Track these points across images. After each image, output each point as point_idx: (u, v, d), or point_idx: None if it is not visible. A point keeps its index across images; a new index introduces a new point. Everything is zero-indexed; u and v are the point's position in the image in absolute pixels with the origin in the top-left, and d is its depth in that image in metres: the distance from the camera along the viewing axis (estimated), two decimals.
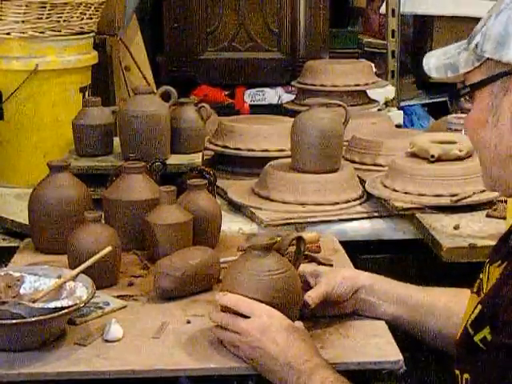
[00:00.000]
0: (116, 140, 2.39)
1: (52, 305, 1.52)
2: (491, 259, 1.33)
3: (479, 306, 1.24)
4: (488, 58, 1.22)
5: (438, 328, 1.59)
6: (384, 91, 3.45)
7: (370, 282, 1.65)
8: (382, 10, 3.93)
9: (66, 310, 1.51)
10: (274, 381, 1.44)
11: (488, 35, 1.22)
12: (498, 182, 1.28)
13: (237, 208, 2.33)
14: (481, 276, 1.34)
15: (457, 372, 1.26)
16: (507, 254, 1.27)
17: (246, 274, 1.54)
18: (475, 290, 1.35)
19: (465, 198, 2.20)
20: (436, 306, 1.60)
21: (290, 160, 2.37)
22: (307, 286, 1.64)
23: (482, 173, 1.32)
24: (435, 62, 1.30)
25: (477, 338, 1.20)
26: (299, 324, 1.52)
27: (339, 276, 1.65)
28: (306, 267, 1.74)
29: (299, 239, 1.70)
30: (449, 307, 1.59)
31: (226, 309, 1.53)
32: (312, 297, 1.60)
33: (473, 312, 1.25)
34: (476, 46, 1.24)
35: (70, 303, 1.53)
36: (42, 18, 2.41)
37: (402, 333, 1.66)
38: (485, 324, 1.19)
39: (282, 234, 1.86)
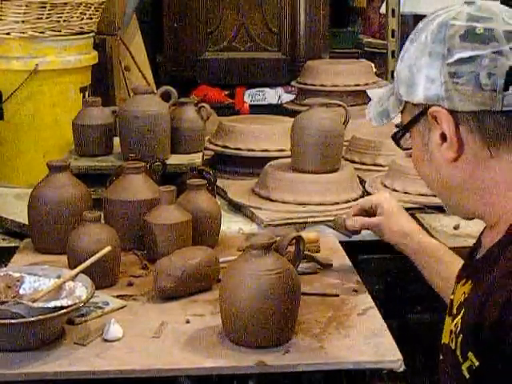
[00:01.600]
0: (116, 140, 2.39)
1: (51, 304, 1.52)
2: (458, 278, 1.31)
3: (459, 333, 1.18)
4: (406, 101, 1.25)
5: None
6: None
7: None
8: (382, 10, 3.93)
9: (65, 310, 1.52)
10: None
11: (400, 79, 1.25)
12: (454, 209, 1.32)
13: (237, 208, 2.32)
14: (451, 296, 1.30)
15: None
16: (472, 271, 1.25)
17: (246, 273, 1.53)
18: (448, 311, 1.30)
19: None
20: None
21: (289, 160, 2.37)
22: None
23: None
24: (373, 111, 1.32)
25: (464, 367, 1.16)
26: None
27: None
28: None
29: (298, 239, 1.70)
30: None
31: None
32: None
33: (451, 336, 1.20)
34: (396, 90, 1.27)
35: (70, 303, 1.53)
36: (41, 18, 2.41)
37: (401, 333, 1.65)
38: (467, 350, 1.15)
39: (282, 233, 1.86)
